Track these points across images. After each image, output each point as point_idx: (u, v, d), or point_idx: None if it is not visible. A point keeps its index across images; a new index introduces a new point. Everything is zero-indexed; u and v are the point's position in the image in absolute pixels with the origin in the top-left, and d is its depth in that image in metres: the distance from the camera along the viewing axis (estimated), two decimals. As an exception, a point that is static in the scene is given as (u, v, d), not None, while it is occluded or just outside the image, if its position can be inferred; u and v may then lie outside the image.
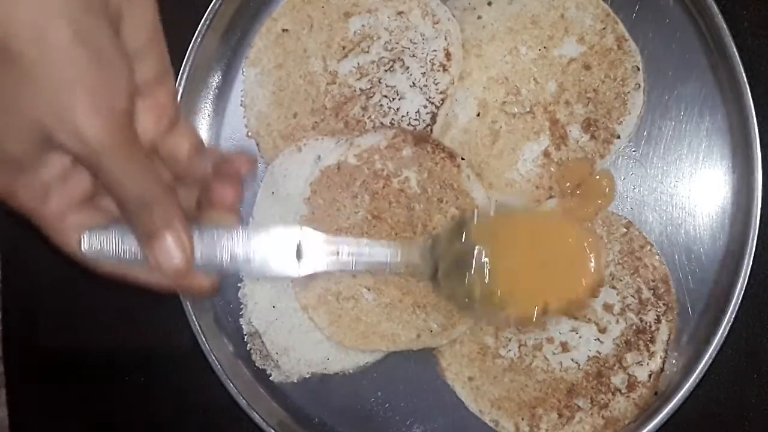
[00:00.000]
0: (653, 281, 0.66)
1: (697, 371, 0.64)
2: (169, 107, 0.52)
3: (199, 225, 0.51)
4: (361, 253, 0.57)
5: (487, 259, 0.58)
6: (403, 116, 0.70)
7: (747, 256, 0.64)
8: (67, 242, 0.49)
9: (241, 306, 0.73)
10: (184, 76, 0.72)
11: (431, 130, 0.69)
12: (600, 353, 0.66)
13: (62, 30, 0.43)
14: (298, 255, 0.54)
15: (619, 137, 0.67)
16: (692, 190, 0.68)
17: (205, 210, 0.54)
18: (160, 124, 0.51)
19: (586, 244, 0.60)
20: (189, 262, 0.50)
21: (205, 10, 0.72)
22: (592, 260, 0.59)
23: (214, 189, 0.54)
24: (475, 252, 0.59)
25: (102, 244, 0.50)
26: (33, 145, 0.45)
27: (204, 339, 0.71)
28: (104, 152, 0.44)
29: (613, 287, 0.67)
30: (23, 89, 0.43)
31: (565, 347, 0.67)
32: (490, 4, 0.70)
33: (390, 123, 0.70)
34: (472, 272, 0.58)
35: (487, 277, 0.58)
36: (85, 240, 0.49)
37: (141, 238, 0.49)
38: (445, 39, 0.70)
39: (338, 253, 0.56)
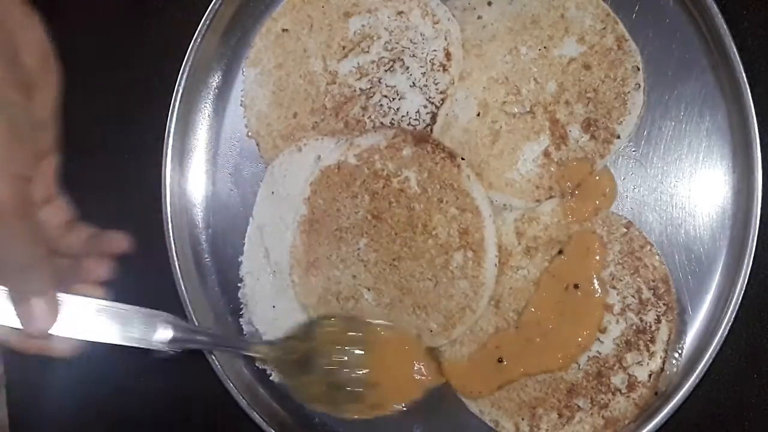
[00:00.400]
0: (653, 281, 0.66)
1: (697, 371, 0.64)
2: (52, 179, 0.55)
3: (65, 292, 0.54)
4: (219, 345, 0.66)
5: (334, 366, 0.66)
6: (403, 116, 0.70)
7: (747, 256, 0.63)
8: None
9: (241, 306, 0.73)
10: (184, 76, 0.72)
11: (431, 130, 0.69)
12: (600, 353, 0.66)
13: None
14: (162, 337, 0.58)
15: (619, 137, 0.67)
16: (692, 190, 0.68)
17: (73, 281, 0.56)
18: (41, 194, 0.54)
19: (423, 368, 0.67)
20: (50, 326, 0.52)
21: (205, 10, 0.72)
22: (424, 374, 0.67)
23: (85, 264, 0.57)
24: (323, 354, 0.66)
25: None
26: None
27: (204, 339, 0.71)
28: (1, 213, 0.47)
29: (614, 287, 0.67)
30: None
31: (565, 347, 0.67)
32: (490, 4, 0.70)
33: (390, 123, 0.70)
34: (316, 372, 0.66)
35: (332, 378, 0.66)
36: None
37: (13, 299, 0.51)
38: (445, 39, 0.70)
39: (195, 339, 0.62)
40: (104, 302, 0.56)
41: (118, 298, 0.77)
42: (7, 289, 0.52)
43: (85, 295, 0.56)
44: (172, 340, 0.59)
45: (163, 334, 0.58)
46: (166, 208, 0.73)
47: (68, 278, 0.57)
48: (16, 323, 0.52)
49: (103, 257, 0.59)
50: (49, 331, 0.53)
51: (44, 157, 0.55)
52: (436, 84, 0.69)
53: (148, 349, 0.58)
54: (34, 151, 0.50)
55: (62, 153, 0.69)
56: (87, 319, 0.55)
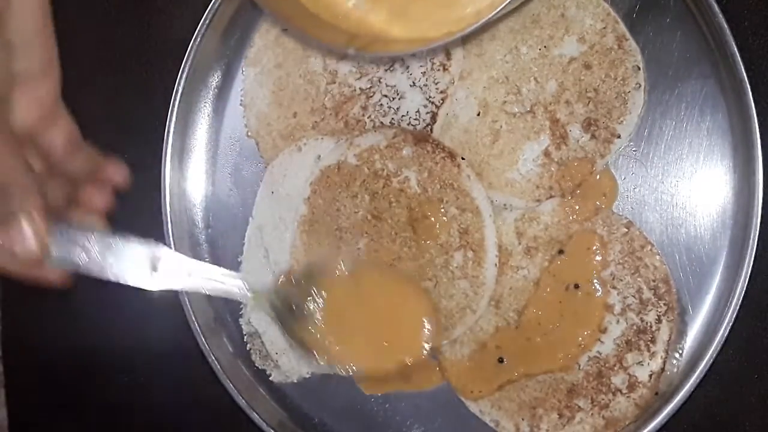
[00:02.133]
0: (654, 281, 0.66)
1: (698, 371, 0.64)
2: (49, 100, 0.53)
3: (62, 222, 0.53)
4: (212, 280, 0.61)
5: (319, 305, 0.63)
6: (403, 116, 0.70)
7: (747, 256, 0.63)
8: None
9: (241, 306, 0.73)
10: (184, 76, 0.72)
11: (431, 129, 0.69)
12: (600, 353, 0.66)
13: None
14: (153, 269, 0.56)
15: (619, 137, 0.67)
16: (693, 189, 0.67)
17: (73, 209, 0.55)
18: (38, 116, 0.53)
19: (424, 311, 0.64)
20: (41, 251, 0.51)
21: (205, 10, 0.71)
22: (427, 328, 0.64)
23: (84, 190, 0.56)
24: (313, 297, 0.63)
25: None
26: None
27: (204, 339, 0.71)
28: None
29: (614, 287, 0.66)
30: None
31: (565, 347, 0.67)
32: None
33: (390, 122, 0.70)
34: (306, 313, 0.63)
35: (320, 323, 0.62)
36: None
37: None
38: (446, 38, 0.69)
39: (189, 274, 0.59)
40: (97, 233, 0.55)
41: (118, 298, 0.77)
42: None
43: (81, 225, 0.55)
44: (165, 274, 0.57)
45: (155, 268, 0.57)
46: (165, 208, 0.73)
47: (66, 205, 0.56)
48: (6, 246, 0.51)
49: (103, 186, 0.58)
50: (37, 254, 0.51)
51: (33, 78, 0.52)
52: (436, 83, 0.69)
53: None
54: (4, 71, 0.49)
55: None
56: (78, 248, 0.54)
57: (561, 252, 0.67)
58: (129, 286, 0.58)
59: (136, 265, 0.56)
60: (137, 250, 0.57)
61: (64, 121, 0.56)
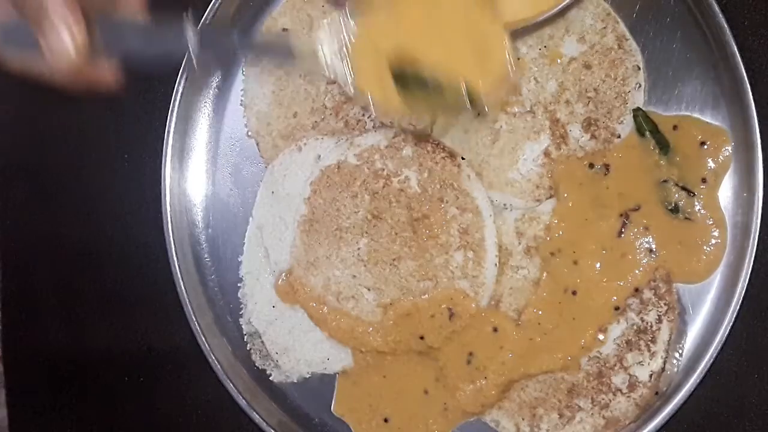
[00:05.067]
0: (654, 281, 0.66)
1: (698, 371, 0.64)
2: None
3: (102, 14, 0.51)
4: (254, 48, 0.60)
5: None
6: (403, 116, 0.70)
7: (747, 257, 0.63)
8: None
9: (241, 306, 0.73)
10: (184, 75, 0.72)
11: (431, 129, 0.69)
12: (601, 353, 0.66)
13: None
14: (198, 44, 0.53)
15: (619, 137, 0.67)
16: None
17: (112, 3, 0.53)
18: None
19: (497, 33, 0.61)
20: (82, 46, 0.49)
21: (205, 10, 0.71)
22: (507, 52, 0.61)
23: None
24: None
25: (6, 39, 0.50)
26: None
27: (204, 339, 0.71)
28: None
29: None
30: None
31: (565, 347, 0.67)
32: (490, 3, 0.70)
33: (390, 122, 0.70)
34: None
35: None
36: None
37: (34, 23, 0.48)
38: (446, 38, 0.69)
39: (230, 44, 0.57)
40: (132, 19, 0.54)
41: (118, 298, 0.77)
42: (27, 15, 0.49)
43: (122, 16, 0.53)
44: (205, 44, 0.54)
45: (194, 38, 0.54)
46: (165, 208, 0.73)
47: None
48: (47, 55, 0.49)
49: None
50: (80, 51, 0.48)
51: None
52: (436, 83, 0.69)
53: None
54: None
55: (60, 154, 0.68)
56: (118, 36, 0.52)
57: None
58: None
59: (175, 39, 0.54)
60: (169, 25, 0.54)
61: None
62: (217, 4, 0.71)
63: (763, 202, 0.64)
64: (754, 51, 0.67)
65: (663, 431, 0.64)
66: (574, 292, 0.66)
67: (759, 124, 0.64)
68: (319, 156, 0.70)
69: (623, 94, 0.67)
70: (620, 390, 0.66)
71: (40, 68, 0.51)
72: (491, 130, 0.69)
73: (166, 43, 0.54)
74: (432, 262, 0.67)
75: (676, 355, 0.66)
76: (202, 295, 0.74)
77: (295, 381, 0.72)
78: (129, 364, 0.77)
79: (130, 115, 0.77)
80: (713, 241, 0.65)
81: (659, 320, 0.66)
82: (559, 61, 0.68)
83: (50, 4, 0.48)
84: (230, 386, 0.70)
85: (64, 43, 0.48)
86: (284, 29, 0.73)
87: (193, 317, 0.71)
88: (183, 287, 0.71)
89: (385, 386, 0.69)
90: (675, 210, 0.65)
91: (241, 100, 0.75)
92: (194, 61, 0.54)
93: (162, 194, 0.73)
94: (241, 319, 0.73)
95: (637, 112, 0.66)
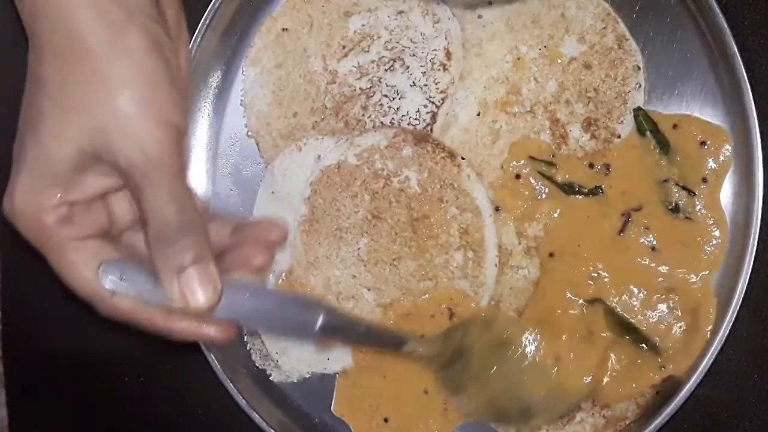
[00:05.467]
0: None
1: (698, 371, 0.64)
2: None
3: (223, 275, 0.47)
4: (376, 339, 0.61)
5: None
6: (403, 116, 0.70)
7: (747, 256, 0.63)
8: (76, 273, 0.46)
9: (241, 306, 0.73)
10: (184, 75, 0.72)
11: (431, 129, 0.69)
12: (600, 353, 0.66)
13: (138, 36, 0.41)
14: (319, 328, 0.50)
15: (619, 137, 0.67)
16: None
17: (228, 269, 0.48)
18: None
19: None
20: (214, 303, 0.44)
21: (205, 10, 0.71)
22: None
23: (242, 249, 0.49)
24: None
25: (121, 277, 0.46)
26: (79, 155, 0.42)
27: (204, 339, 0.71)
28: (158, 167, 0.42)
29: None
30: (92, 89, 0.41)
31: (565, 347, 0.67)
32: (490, 3, 0.70)
33: (390, 122, 0.70)
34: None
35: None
36: (103, 271, 0.46)
37: (167, 272, 0.44)
38: (446, 38, 0.69)
39: (356, 335, 0.56)
40: (258, 286, 0.51)
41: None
42: (158, 260, 0.44)
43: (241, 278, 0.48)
44: (325, 330, 0.50)
45: (318, 323, 0.50)
46: (166, 208, 0.73)
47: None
48: (172, 302, 0.44)
49: (261, 246, 0.49)
50: (210, 307, 0.44)
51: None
52: (436, 83, 0.69)
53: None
54: (186, 102, 0.44)
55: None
56: (242, 301, 0.48)
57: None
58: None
59: (300, 323, 0.51)
60: (303, 308, 0.51)
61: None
62: (217, 4, 0.71)
63: (763, 202, 0.64)
64: (754, 51, 0.67)
65: (663, 431, 0.64)
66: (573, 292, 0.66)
67: (759, 124, 0.64)
68: (319, 156, 0.70)
69: (623, 94, 0.67)
70: (620, 390, 0.66)
71: (151, 314, 0.47)
72: (491, 130, 0.69)
73: (292, 321, 0.51)
74: (432, 262, 0.67)
75: (676, 355, 0.66)
76: (202, 295, 0.73)
77: (295, 381, 0.72)
78: (129, 364, 0.77)
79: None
80: (713, 241, 0.65)
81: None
82: (559, 61, 0.68)
83: (195, 250, 0.43)
84: (230, 386, 0.69)
85: (200, 296, 0.44)
86: (284, 29, 0.73)
87: (193, 317, 0.71)
88: (183, 287, 0.71)
89: (385, 386, 0.69)
90: (675, 210, 0.65)
91: (241, 100, 0.75)
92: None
93: (162, 194, 0.73)
94: (241, 319, 0.73)
95: (637, 111, 0.66)
